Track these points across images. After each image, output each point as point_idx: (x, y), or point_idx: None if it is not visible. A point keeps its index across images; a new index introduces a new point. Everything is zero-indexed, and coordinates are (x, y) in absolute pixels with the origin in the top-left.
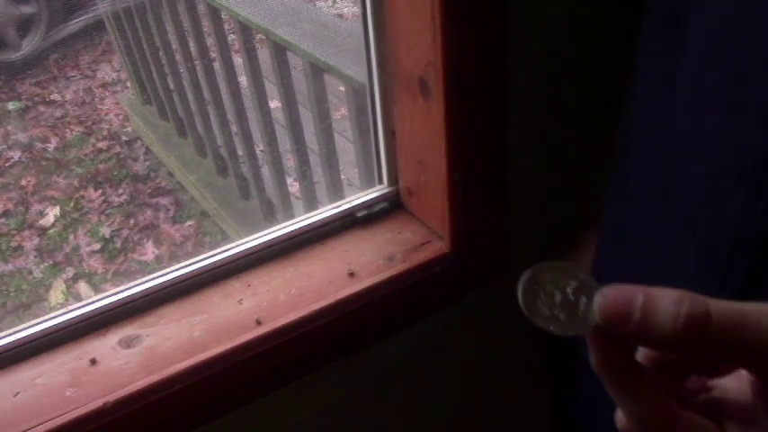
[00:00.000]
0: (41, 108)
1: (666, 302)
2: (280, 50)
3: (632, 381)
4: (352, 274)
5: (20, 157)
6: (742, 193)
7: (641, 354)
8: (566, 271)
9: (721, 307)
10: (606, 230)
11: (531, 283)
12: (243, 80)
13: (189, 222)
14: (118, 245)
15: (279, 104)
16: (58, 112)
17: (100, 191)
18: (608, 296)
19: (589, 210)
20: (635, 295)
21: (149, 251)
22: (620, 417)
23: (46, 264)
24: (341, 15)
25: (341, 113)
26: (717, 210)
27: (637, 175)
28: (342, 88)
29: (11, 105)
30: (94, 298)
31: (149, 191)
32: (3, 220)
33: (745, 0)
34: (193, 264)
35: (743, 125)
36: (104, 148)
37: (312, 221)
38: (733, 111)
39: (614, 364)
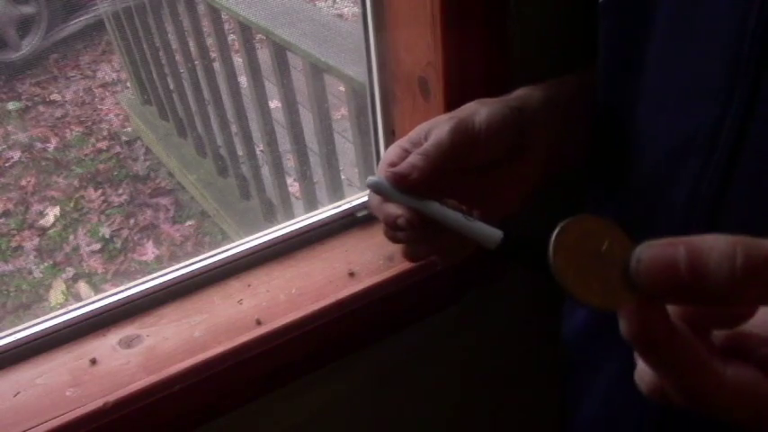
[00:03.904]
0: (41, 108)
1: (717, 256)
2: (280, 50)
3: (678, 348)
4: (352, 274)
5: (20, 157)
6: (694, 158)
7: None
8: (600, 229)
9: None
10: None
11: (561, 248)
12: (243, 80)
13: (189, 222)
14: (118, 245)
15: (279, 104)
16: (58, 112)
17: (100, 191)
18: (646, 259)
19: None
20: (676, 252)
21: (149, 251)
22: (647, 380)
23: (46, 264)
24: (341, 15)
25: (341, 113)
26: (674, 172)
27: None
28: (342, 88)
29: (11, 105)
30: (94, 298)
31: (149, 191)
32: (3, 220)
33: None
34: (193, 264)
35: (694, 97)
36: (104, 148)
37: (312, 221)
38: (687, 85)
39: (656, 332)
